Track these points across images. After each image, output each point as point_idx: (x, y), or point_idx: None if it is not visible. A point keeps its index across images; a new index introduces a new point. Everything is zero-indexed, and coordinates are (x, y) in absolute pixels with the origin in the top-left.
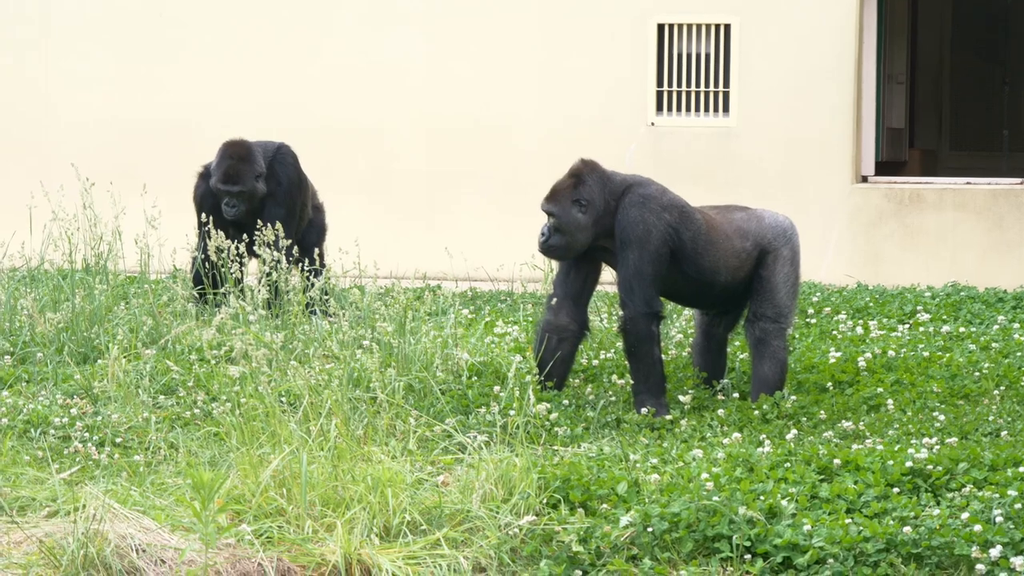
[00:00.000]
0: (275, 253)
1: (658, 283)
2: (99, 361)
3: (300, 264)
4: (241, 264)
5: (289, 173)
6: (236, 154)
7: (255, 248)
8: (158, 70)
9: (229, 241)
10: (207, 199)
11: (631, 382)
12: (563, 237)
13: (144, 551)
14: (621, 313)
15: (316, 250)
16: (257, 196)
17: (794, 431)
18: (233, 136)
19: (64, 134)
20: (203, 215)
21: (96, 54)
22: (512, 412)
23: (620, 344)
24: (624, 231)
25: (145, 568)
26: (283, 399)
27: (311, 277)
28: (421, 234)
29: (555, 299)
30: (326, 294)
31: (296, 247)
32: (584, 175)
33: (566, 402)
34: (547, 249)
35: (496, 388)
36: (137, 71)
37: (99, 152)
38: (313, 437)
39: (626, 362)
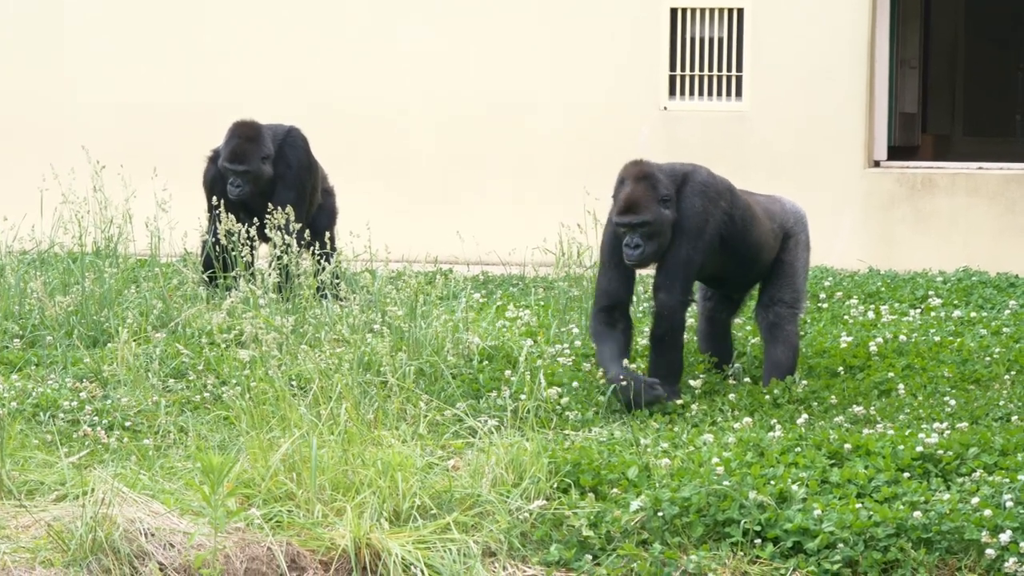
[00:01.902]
0: (286, 236)
1: (698, 272)
2: (109, 344)
3: (311, 248)
4: (252, 248)
5: (299, 156)
6: (243, 134)
7: (266, 231)
8: (171, 54)
9: (239, 224)
10: (217, 182)
11: (649, 367)
12: (655, 241)
13: (153, 535)
14: (658, 298)
15: (327, 234)
16: (263, 178)
17: (805, 416)
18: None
19: (75, 117)
20: (213, 198)
21: (109, 37)
22: (523, 396)
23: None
24: (683, 220)
25: (154, 552)
26: (293, 383)
27: (322, 261)
28: (433, 218)
29: (609, 299)
30: (337, 278)
31: (307, 231)
32: (652, 173)
33: (576, 385)
34: (642, 261)
35: (507, 372)
36: (150, 55)
37: (110, 135)
38: (323, 421)
39: (649, 346)
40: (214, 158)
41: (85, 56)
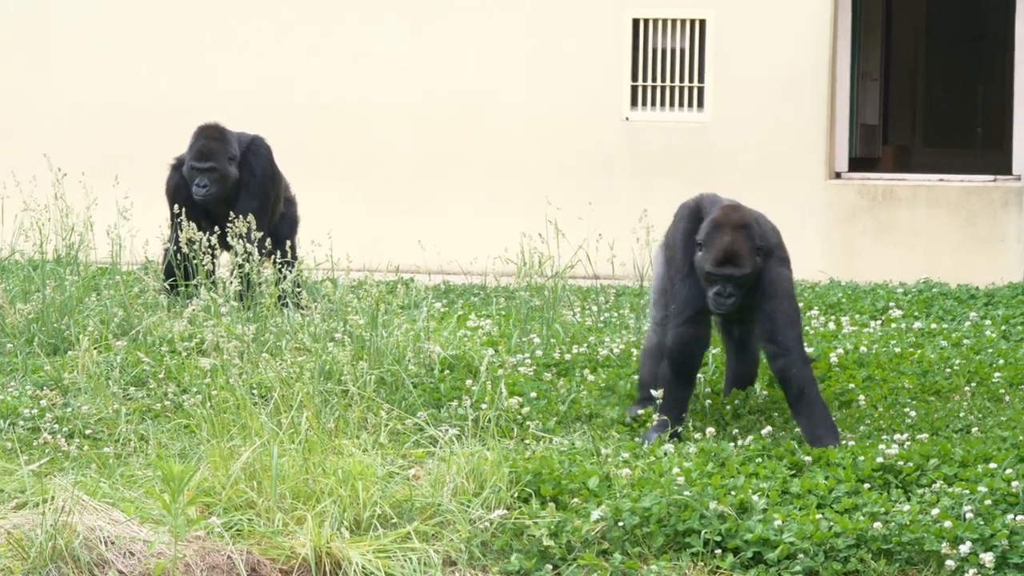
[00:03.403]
0: (247, 245)
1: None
2: (69, 352)
3: (272, 256)
4: (213, 256)
5: (263, 165)
6: (210, 135)
7: (228, 239)
8: (133, 59)
9: (201, 233)
10: (180, 190)
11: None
12: (743, 291)
13: (113, 543)
14: (787, 361)
15: (288, 242)
16: (229, 178)
17: (768, 427)
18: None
19: (36, 124)
20: (175, 207)
21: (69, 43)
22: (484, 406)
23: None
24: (772, 281)
25: (114, 560)
26: (254, 391)
27: (283, 269)
28: (395, 227)
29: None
30: (298, 286)
31: (268, 239)
32: (750, 223)
33: (534, 395)
34: (731, 312)
35: (468, 382)
36: (113, 60)
37: (72, 141)
38: (284, 430)
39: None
40: (177, 166)
41: (44, 62)
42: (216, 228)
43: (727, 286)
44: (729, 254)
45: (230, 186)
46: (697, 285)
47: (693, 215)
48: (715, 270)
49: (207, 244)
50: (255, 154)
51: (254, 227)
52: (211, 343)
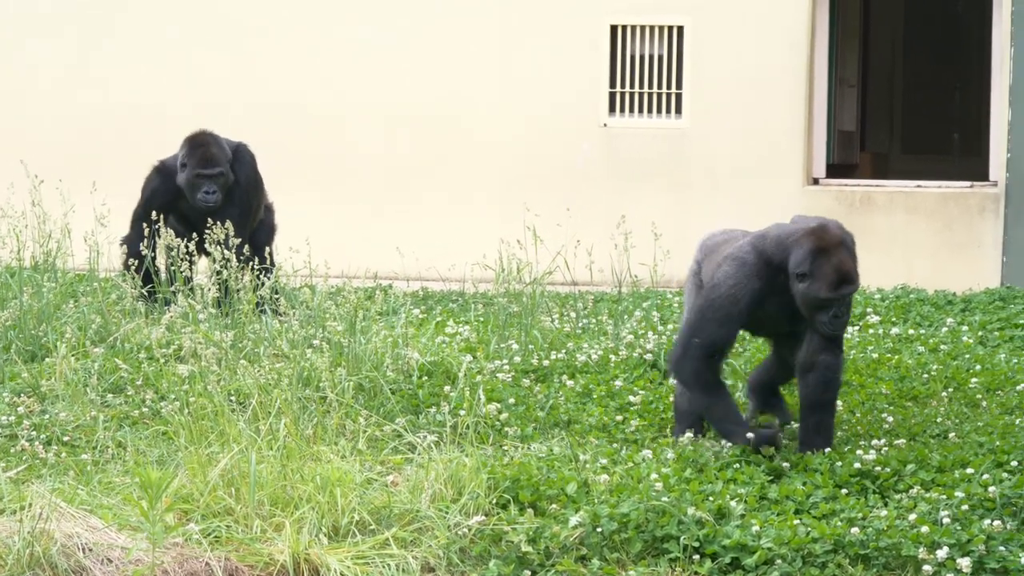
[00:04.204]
0: (226, 252)
1: None
2: (47, 359)
3: (250, 263)
4: (191, 262)
5: (247, 172)
6: (206, 141)
7: (205, 246)
8: (107, 66)
9: (179, 239)
10: (159, 194)
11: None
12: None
13: (91, 550)
14: (830, 360)
15: (267, 249)
16: (228, 183)
17: (749, 434)
18: (183, 135)
19: (13, 131)
20: (152, 210)
21: (45, 49)
22: (462, 412)
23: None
24: None
25: (92, 567)
26: (232, 398)
27: (261, 276)
28: (373, 234)
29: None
30: (276, 293)
31: (247, 246)
32: (847, 240)
33: (512, 401)
34: (843, 327)
35: (447, 388)
36: (86, 66)
37: (49, 149)
38: (262, 436)
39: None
40: (162, 170)
41: (20, 68)
42: (194, 234)
43: (843, 305)
44: (845, 273)
45: (227, 191)
46: (733, 333)
47: (759, 268)
48: (833, 293)
49: (184, 251)
50: (240, 162)
51: (231, 233)
52: (189, 350)
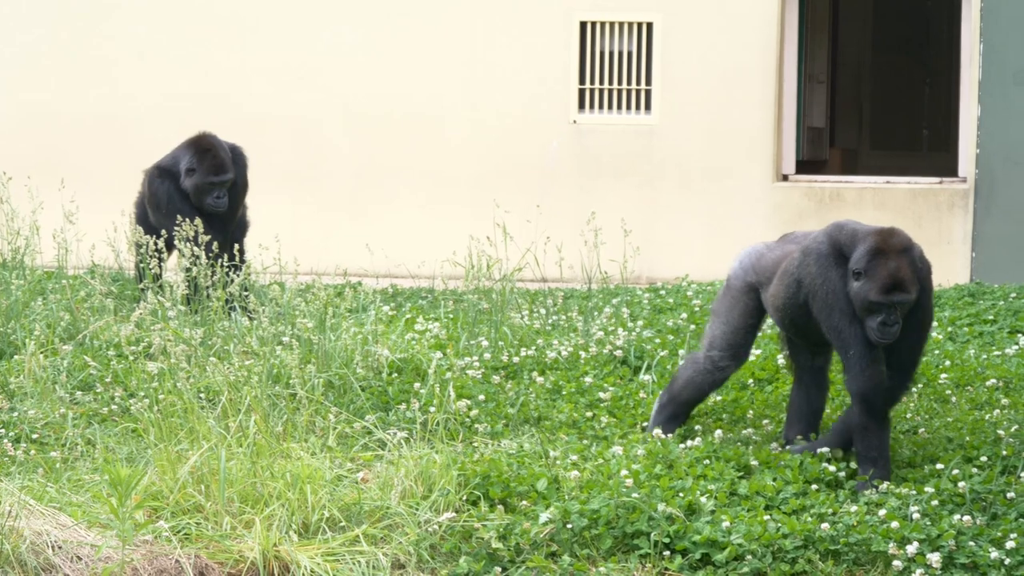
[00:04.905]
0: (195, 249)
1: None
2: (15, 357)
3: (220, 260)
4: (160, 260)
5: (244, 175)
6: (213, 145)
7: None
8: (77, 64)
9: (149, 237)
10: (176, 199)
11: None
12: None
13: (60, 548)
14: (906, 383)
15: (237, 246)
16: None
17: (718, 431)
18: (152, 131)
19: None
20: (176, 215)
21: (11, 46)
22: (432, 409)
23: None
24: (926, 308)
25: (61, 565)
26: (202, 395)
27: (231, 273)
28: (343, 230)
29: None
30: (246, 290)
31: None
32: (912, 247)
33: (482, 397)
34: (895, 337)
35: (416, 385)
36: (56, 64)
37: (16, 146)
38: (232, 433)
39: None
40: (166, 173)
41: None
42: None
43: (893, 313)
44: (899, 279)
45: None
46: (853, 314)
47: (836, 257)
48: (883, 296)
49: (154, 248)
50: (237, 164)
51: (201, 231)
52: (158, 347)
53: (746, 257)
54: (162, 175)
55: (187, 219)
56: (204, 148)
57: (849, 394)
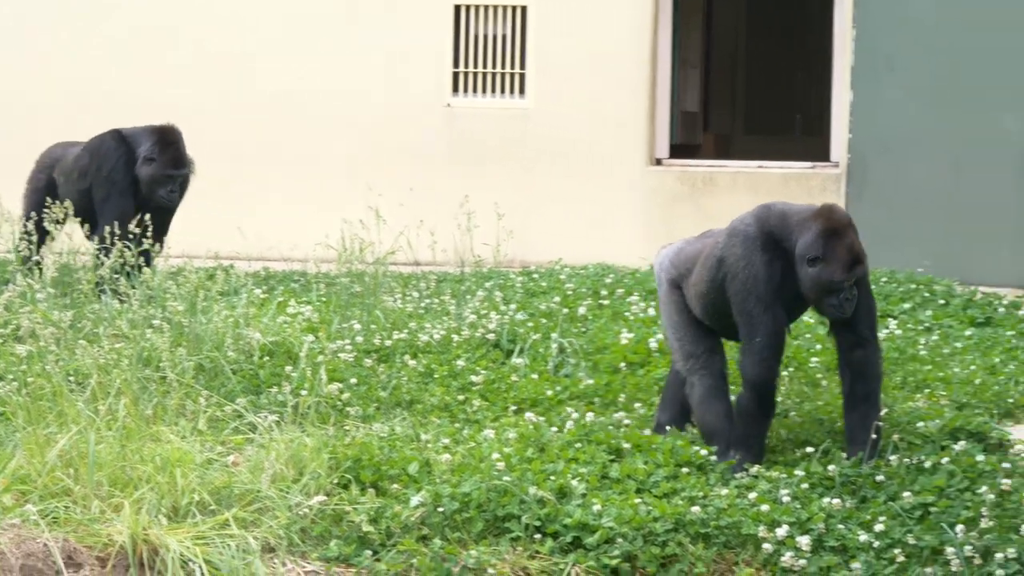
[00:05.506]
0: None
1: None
2: None
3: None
4: (30, 244)
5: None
6: (177, 139)
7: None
8: None
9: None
10: (122, 171)
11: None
12: None
13: None
14: (871, 352)
15: (106, 228)
16: None
17: (589, 414)
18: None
19: None
20: (114, 185)
21: None
22: (304, 392)
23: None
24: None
25: None
26: (71, 378)
27: (101, 256)
28: (214, 213)
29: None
30: (116, 273)
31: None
32: (847, 213)
33: (354, 381)
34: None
35: (288, 368)
36: None
37: None
38: (101, 417)
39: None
40: (123, 140)
41: None
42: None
43: (852, 287)
44: (857, 254)
45: None
46: (780, 312)
47: (764, 240)
48: (847, 275)
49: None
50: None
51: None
52: (27, 330)
53: (664, 256)
54: (120, 143)
55: (124, 196)
56: (168, 140)
57: (742, 377)
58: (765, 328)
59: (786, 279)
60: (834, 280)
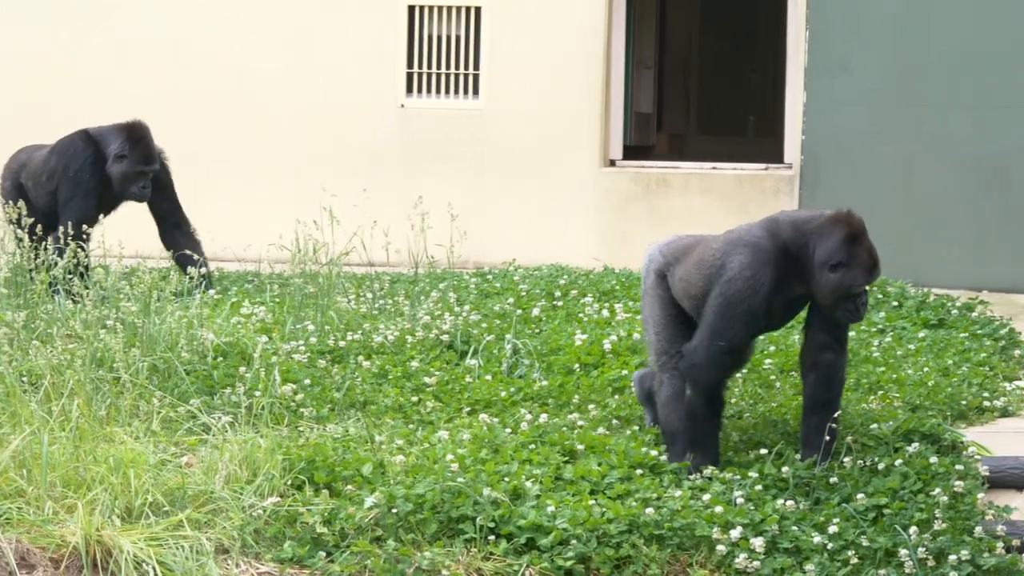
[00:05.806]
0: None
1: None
2: None
3: (44, 242)
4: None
5: (165, 166)
6: (147, 135)
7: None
8: None
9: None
10: (89, 172)
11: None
12: None
13: None
14: (839, 360)
15: (61, 228)
16: None
17: (543, 415)
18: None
19: None
20: (82, 187)
21: None
22: (257, 393)
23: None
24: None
25: None
26: (24, 379)
27: (55, 256)
28: None
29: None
30: (70, 273)
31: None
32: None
33: (308, 382)
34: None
35: (242, 369)
36: None
37: None
38: (54, 418)
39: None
40: (91, 141)
41: None
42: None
43: (866, 293)
44: (876, 259)
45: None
46: (755, 327)
47: (777, 255)
48: (868, 279)
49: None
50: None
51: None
52: None
53: (654, 247)
54: (88, 143)
55: (87, 199)
56: (137, 137)
57: (690, 376)
58: (736, 338)
59: (782, 292)
60: (855, 284)
